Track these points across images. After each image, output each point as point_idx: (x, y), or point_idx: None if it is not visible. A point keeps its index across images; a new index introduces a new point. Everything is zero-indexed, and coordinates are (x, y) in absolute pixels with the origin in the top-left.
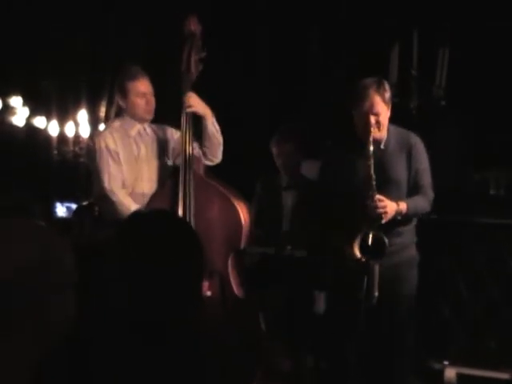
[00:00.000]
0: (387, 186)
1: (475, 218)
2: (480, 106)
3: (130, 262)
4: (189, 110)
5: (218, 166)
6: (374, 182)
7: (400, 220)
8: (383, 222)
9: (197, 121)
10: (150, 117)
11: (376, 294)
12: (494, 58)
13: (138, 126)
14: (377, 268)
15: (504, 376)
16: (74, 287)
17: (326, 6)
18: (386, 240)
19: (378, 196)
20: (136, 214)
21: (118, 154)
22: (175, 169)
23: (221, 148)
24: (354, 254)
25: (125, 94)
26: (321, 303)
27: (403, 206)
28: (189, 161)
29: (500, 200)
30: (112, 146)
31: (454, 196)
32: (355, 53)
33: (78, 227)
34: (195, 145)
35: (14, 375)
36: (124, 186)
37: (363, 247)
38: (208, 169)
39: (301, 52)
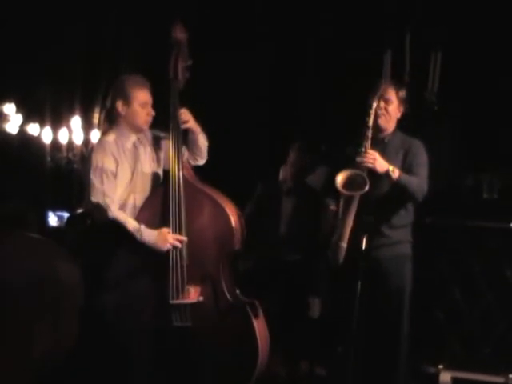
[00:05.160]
0: (381, 178)
1: (469, 221)
2: (473, 111)
3: None
4: (185, 126)
5: (211, 168)
6: (369, 133)
7: (394, 202)
8: (369, 166)
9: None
10: (146, 127)
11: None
12: (486, 63)
13: (133, 138)
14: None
15: (499, 380)
16: (75, 300)
17: (320, 10)
18: (368, 182)
19: (370, 150)
20: None
21: (114, 174)
22: (165, 175)
23: (207, 150)
24: (336, 184)
25: (129, 101)
26: (316, 308)
27: (396, 171)
28: (179, 172)
29: (493, 204)
30: (111, 167)
31: (448, 200)
32: (348, 58)
33: (71, 237)
34: (183, 149)
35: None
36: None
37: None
38: (196, 171)
39: (296, 58)
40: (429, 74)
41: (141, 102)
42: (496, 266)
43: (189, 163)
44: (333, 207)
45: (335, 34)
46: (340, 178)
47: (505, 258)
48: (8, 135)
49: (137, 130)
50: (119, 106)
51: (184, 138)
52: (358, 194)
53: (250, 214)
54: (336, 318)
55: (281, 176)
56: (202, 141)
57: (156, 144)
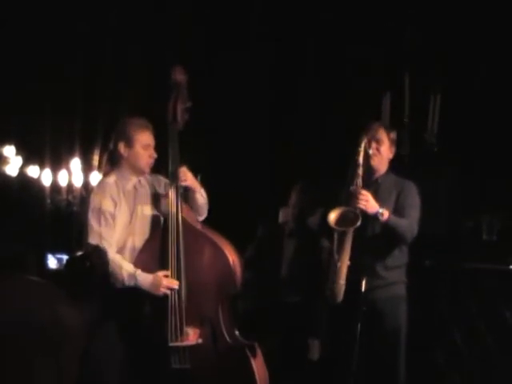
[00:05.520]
0: (373, 219)
1: (468, 263)
2: (472, 152)
3: None
4: (184, 183)
5: (211, 210)
6: (360, 170)
7: (388, 242)
8: (361, 207)
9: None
10: (148, 169)
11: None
12: (485, 105)
13: (134, 180)
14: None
15: None
16: (76, 344)
17: (321, 51)
18: (360, 217)
19: (363, 190)
20: None
21: (113, 216)
22: (165, 218)
23: (207, 207)
24: (329, 221)
25: (131, 143)
26: (315, 350)
27: (386, 213)
28: (178, 214)
29: (493, 245)
30: (109, 208)
31: (448, 242)
32: (347, 101)
33: (70, 279)
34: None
35: None
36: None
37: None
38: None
39: (294, 99)
40: (428, 116)
41: (143, 144)
42: (496, 308)
43: (190, 210)
44: (326, 244)
45: (334, 76)
46: (333, 216)
47: (504, 300)
48: (8, 177)
49: (139, 172)
50: (121, 147)
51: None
52: (350, 230)
53: (250, 255)
54: (336, 360)
55: (280, 218)
56: (201, 199)
57: (156, 188)
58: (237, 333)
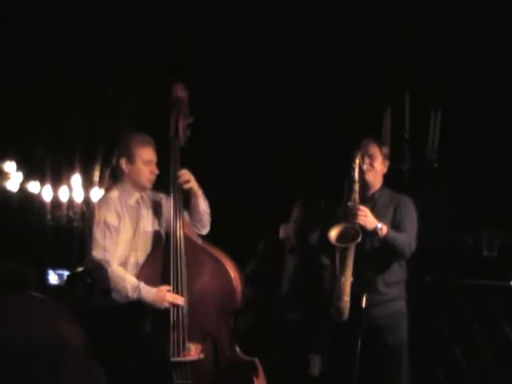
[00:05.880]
0: (371, 235)
1: (469, 279)
2: (473, 168)
3: None
4: (186, 186)
5: (212, 226)
6: (356, 186)
7: (388, 257)
8: (361, 222)
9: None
10: (150, 185)
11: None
12: (486, 121)
13: (137, 196)
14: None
15: None
16: (77, 362)
17: (320, 69)
18: (361, 232)
19: (361, 206)
20: None
21: (117, 230)
22: (166, 234)
23: (209, 219)
24: (330, 238)
25: (132, 159)
26: (316, 366)
27: (384, 228)
28: (180, 230)
29: (493, 261)
30: (114, 222)
31: (448, 258)
32: (348, 117)
33: (71, 295)
34: (185, 213)
35: None
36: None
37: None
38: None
39: (295, 114)
40: (429, 132)
41: (144, 160)
42: (497, 324)
43: (191, 226)
44: (327, 262)
45: (335, 92)
46: (333, 233)
47: (505, 316)
48: (8, 193)
49: (140, 187)
50: (123, 163)
51: (186, 203)
52: (352, 245)
53: (251, 271)
54: (336, 376)
55: (281, 234)
56: (203, 207)
57: (157, 204)
58: (238, 349)
